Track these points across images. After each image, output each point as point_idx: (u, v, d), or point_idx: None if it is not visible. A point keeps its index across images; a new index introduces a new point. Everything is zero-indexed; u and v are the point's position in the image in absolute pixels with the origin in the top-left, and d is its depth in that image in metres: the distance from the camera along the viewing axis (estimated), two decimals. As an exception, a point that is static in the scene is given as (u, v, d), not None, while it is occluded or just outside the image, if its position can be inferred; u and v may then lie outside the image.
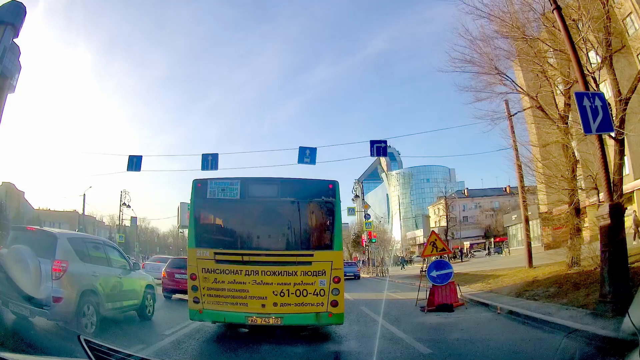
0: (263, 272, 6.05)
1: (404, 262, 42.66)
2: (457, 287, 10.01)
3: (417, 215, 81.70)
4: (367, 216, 35.78)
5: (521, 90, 13.65)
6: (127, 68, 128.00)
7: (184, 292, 8.04)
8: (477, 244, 54.63)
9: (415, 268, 29.86)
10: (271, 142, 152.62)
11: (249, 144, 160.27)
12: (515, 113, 15.10)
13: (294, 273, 6.07)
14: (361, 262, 44.11)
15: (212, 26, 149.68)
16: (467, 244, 52.56)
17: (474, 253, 45.38)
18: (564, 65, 11.73)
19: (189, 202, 6.79)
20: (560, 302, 8.13)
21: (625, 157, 11.88)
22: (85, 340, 2.22)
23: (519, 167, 15.61)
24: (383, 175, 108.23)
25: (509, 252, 35.88)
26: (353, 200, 39.73)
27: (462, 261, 35.26)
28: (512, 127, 15.53)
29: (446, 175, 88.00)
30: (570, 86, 11.51)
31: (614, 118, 9.00)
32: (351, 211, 37.79)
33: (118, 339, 6.20)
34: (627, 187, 15.58)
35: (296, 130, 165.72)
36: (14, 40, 31.33)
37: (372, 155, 13.55)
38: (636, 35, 14.17)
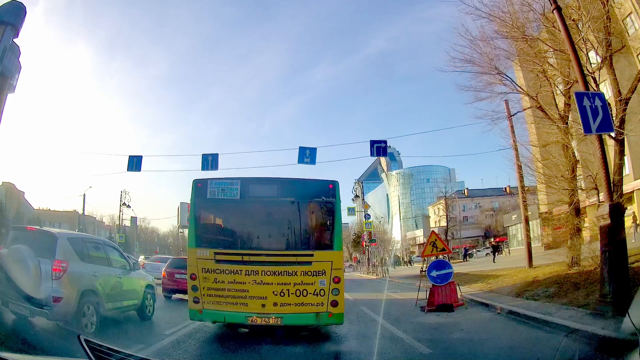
0: (263, 272, 6.05)
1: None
2: (457, 287, 10.01)
3: (417, 215, 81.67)
4: (367, 216, 35.74)
5: (521, 90, 13.65)
6: (127, 68, 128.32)
7: (184, 292, 8.04)
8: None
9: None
10: (271, 142, 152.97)
11: (249, 144, 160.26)
12: (515, 113, 15.10)
13: (294, 273, 6.06)
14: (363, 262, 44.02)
15: (212, 26, 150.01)
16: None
17: (471, 254, 45.42)
18: (564, 65, 11.72)
19: (189, 202, 6.79)
20: (560, 302, 8.13)
21: (625, 157, 11.86)
22: (85, 340, 2.22)
23: (519, 167, 15.62)
24: (383, 175, 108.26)
25: (509, 252, 35.92)
26: (353, 200, 39.70)
27: (465, 261, 36.01)
28: (512, 127, 15.56)
29: (446, 175, 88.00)
30: (570, 86, 11.50)
31: (614, 118, 8.99)
32: (351, 211, 37.75)
33: (118, 339, 6.21)
34: (627, 187, 15.57)
35: (296, 130, 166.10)
36: (14, 40, 31.34)
37: (372, 155, 13.56)
38: (636, 35, 14.17)
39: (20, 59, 34.15)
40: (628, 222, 10.04)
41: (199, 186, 6.59)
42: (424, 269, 10.39)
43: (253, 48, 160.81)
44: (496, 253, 29.67)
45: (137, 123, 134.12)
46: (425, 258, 10.86)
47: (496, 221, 56.79)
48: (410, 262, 49.82)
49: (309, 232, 6.73)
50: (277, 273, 6.06)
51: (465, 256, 38.04)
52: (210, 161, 12.92)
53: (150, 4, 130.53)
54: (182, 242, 60.66)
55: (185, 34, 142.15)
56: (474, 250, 48.07)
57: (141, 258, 29.52)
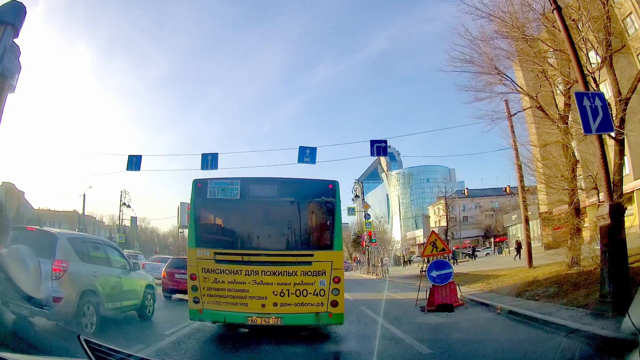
0: (263, 272, 6.05)
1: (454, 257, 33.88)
2: (457, 287, 10.00)
3: (417, 215, 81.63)
4: (367, 216, 35.74)
5: (521, 90, 13.66)
6: (127, 68, 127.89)
7: (184, 292, 8.04)
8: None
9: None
10: (271, 142, 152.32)
11: (249, 144, 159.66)
12: (515, 113, 15.12)
13: (294, 273, 6.06)
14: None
15: (212, 26, 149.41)
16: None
17: (476, 253, 45.78)
18: (564, 65, 11.73)
19: (189, 202, 6.79)
20: (560, 302, 8.13)
21: (625, 157, 11.87)
22: (85, 340, 2.22)
23: (519, 167, 15.62)
24: (383, 175, 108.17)
25: (508, 252, 35.93)
26: (353, 200, 39.71)
27: (473, 259, 38.26)
28: (512, 127, 15.57)
29: (446, 175, 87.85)
30: (570, 86, 11.50)
31: (614, 118, 8.99)
32: (351, 211, 37.75)
33: (118, 339, 6.20)
34: (627, 187, 15.58)
35: (296, 130, 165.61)
36: (14, 40, 31.34)
37: (372, 154, 13.52)
38: (636, 35, 14.17)
39: (20, 59, 34.20)
40: (628, 222, 10.04)
41: (199, 186, 6.59)
42: (424, 269, 10.39)
43: (253, 48, 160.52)
44: (519, 252, 29.57)
45: (137, 123, 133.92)
46: (426, 258, 10.86)
47: (496, 221, 56.85)
48: (410, 261, 49.91)
49: (309, 232, 6.73)
50: (277, 273, 6.05)
51: (473, 255, 41.16)
52: (210, 161, 12.92)
53: (150, 4, 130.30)
54: (182, 242, 60.65)
55: (185, 34, 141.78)
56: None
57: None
